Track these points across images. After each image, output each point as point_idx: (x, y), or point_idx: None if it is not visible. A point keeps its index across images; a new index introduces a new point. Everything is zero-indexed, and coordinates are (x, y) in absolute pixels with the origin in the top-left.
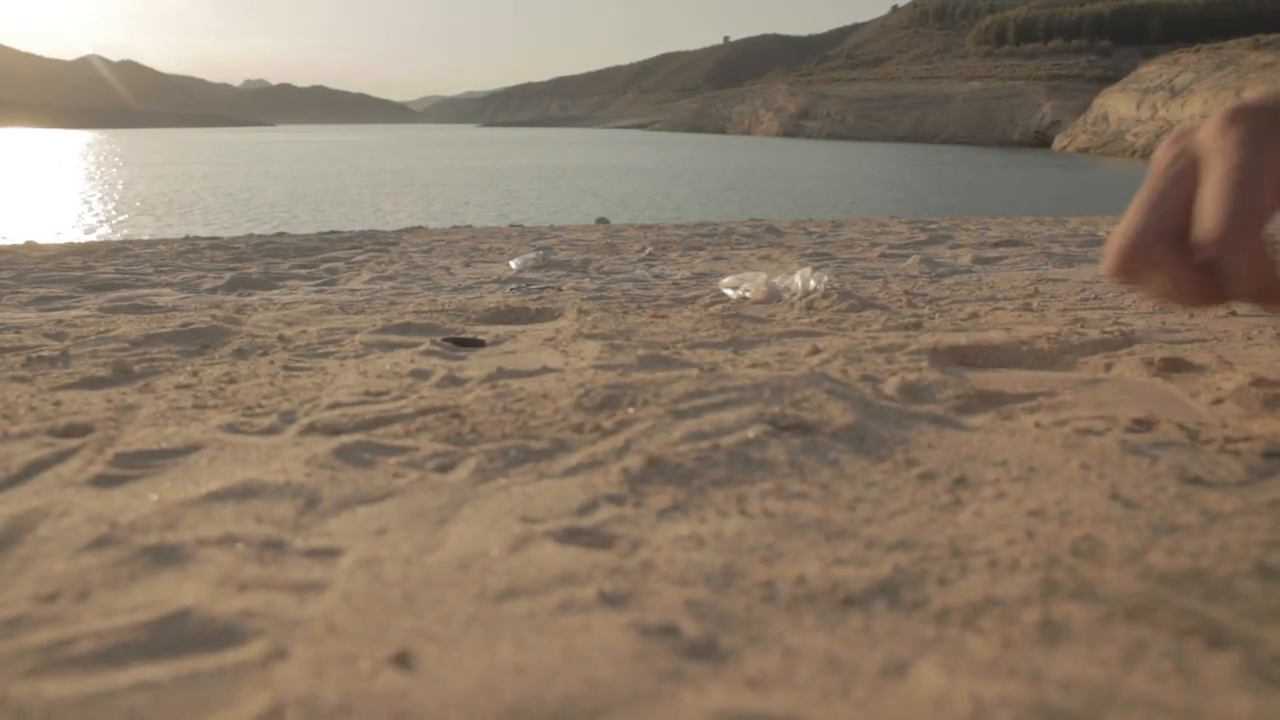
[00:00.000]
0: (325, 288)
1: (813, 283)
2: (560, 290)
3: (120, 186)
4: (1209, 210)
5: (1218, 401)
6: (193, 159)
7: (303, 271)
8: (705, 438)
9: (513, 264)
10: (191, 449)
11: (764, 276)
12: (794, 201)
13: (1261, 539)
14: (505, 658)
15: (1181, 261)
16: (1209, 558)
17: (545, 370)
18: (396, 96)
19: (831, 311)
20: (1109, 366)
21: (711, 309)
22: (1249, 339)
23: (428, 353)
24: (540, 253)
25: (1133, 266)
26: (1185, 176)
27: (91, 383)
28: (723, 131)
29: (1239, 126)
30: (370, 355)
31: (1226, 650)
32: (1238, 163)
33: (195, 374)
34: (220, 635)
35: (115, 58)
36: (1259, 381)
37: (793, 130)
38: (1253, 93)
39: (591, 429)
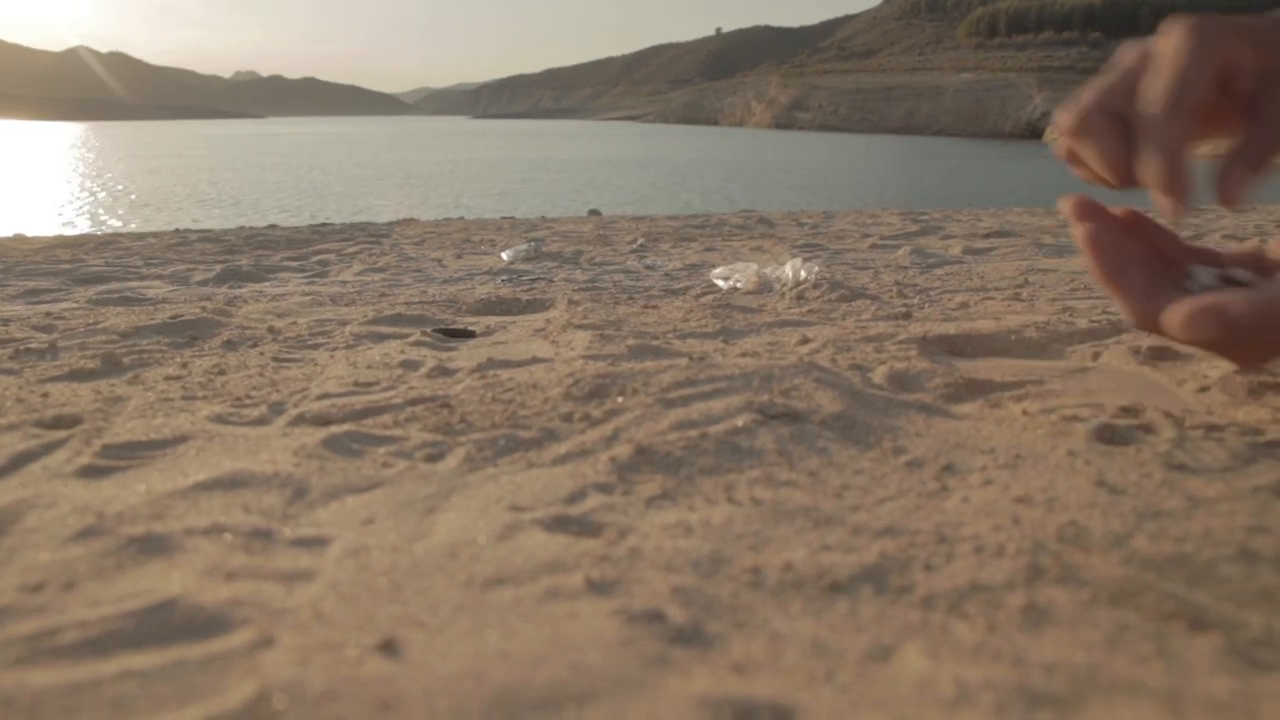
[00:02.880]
0: (316, 279)
1: (803, 273)
2: (551, 281)
3: (112, 179)
4: (1147, 87)
5: (1203, 389)
6: (186, 152)
7: (294, 264)
8: (694, 426)
9: (504, 255)
10: (180, 440)
11: (755, 267)
12: (786, 193)
13: (1244, 524)
14: (492, 644)
15: (1117, 135)
16: (1192, 543)
17: (535, 360)
18: (387, 88)
19: (822, 301)
20: (1096, 355)
21: (702, 299)
22: None
23: (418, 343)
24: (532, 244)
25: (1077, 132)
26: (1137, 69)
27: (80, 375)
28: (715, 123)
29: (1185, 25)
30: (360, 346)
31: (1208, 633)
32: (1178, 48)
33: (184, 365)
34: (207, 624)
35: (103, 49)
36: (1243, 369)
37: (785, 122)
38: None
39: (581, 418)
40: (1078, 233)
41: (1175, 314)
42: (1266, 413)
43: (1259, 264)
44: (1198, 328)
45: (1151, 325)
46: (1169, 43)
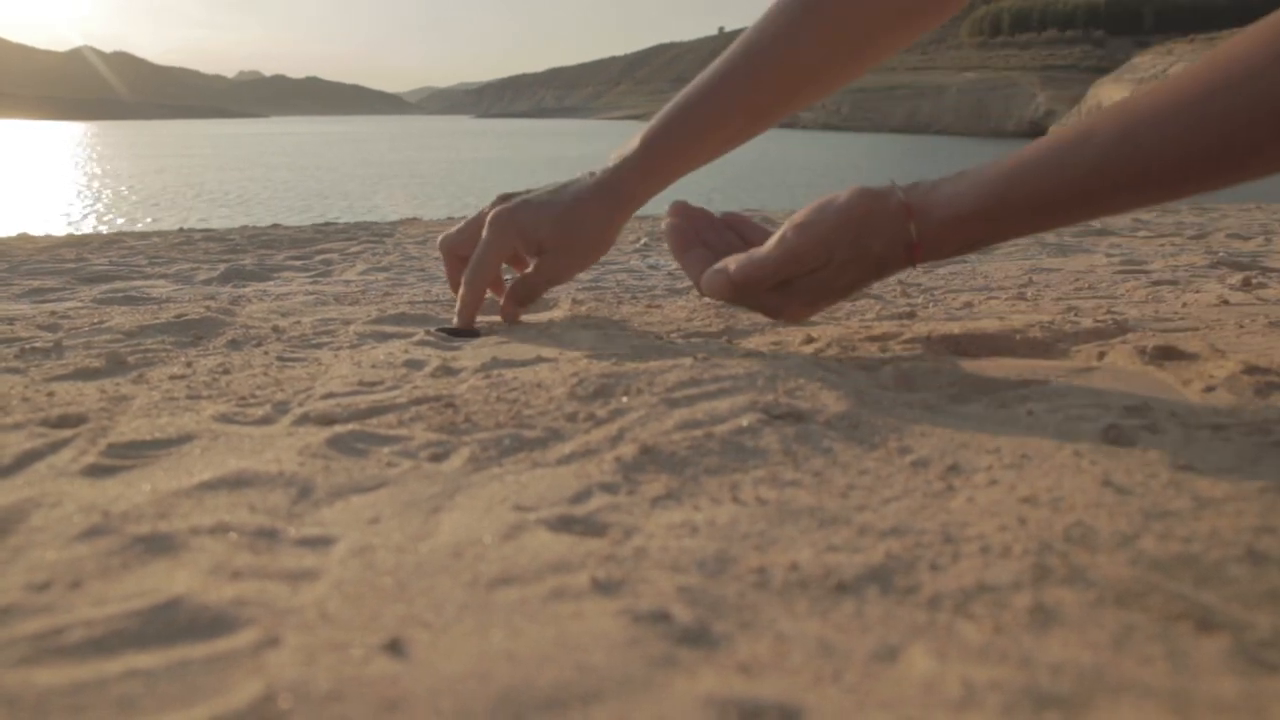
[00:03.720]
0: (320, 279)
1: None
2: None
3: (120, 179)
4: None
5: (1210, 389)
6: (192, 151)
7: (297, 263)
8: (699, 426)
9: None
10: (185, 439)
11: None
12: (788, 192)
13: (1251, 524)
14: (497, 644)
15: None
16: (1199, 543)
17: (539, 360)
18: (390, 88)
19: None
20: (1102, 355)
21: (705, 299)
22: (1241, 327)
23: (422, 343)
24: None
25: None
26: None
27: (85, 374)
28: None
29: (491, 219)
30: (364, 346)
31: (1216, 634)
32: (485, 237)
33: (189, 365)
34: (212, 623)
35: (107, 49)
36: (1251, 369)
37: (787, 120)
38: None
39: (585, 418)
40: (664, 225)
41: (702, 280)
42: (1274, 412)
43: None
44: (709, 283)
45: (699, 289)
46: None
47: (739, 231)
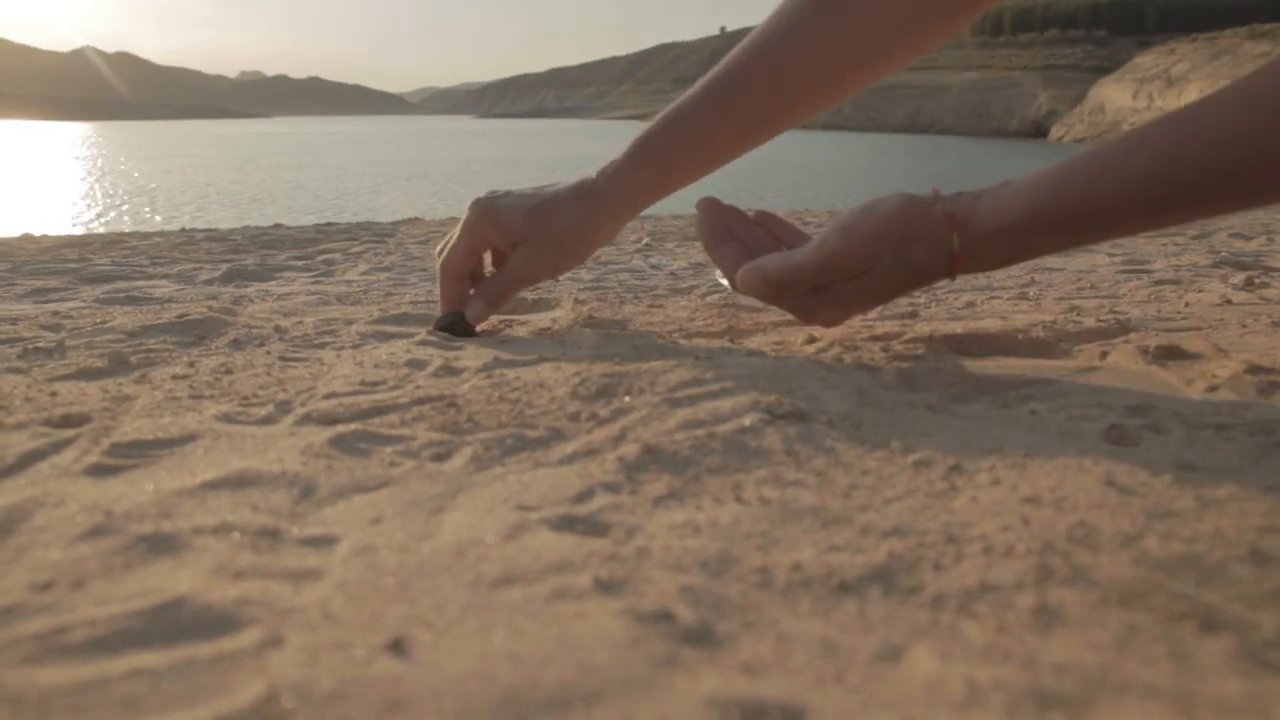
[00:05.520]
0: (322, 279)
1: None
2: (557, 281)
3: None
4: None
5: (1213, 389)
6: (197, 151)
7: (299, 263)
8: (701, 426)
9: None
10: (188, 439)
11: None
12: (790, 192)
13: (1255, 524)
14: (500, 644)
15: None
16: (1203, 543)
17: (541, 359)
18: (392, 88)
19: None
20: (1104, 354)
21: (708, 299)
22: (1244, 326)
23: (424, 343)
24: None
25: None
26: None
27: (88, 373)
28: None
29: (468, 214)
30: (366, 345)
31: (1220, 634)
32: (459, 229)
33: (191, 365)
34: (216, 623)
35: (109, 49)
36: (1254, 369)
37: None
38: None
39: (588, 417)
40: (698, 220)
41: (739, 275)
42: (1277, 412)
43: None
44: (746, 280)
45: (732, 283)
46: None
47: (770, 229)
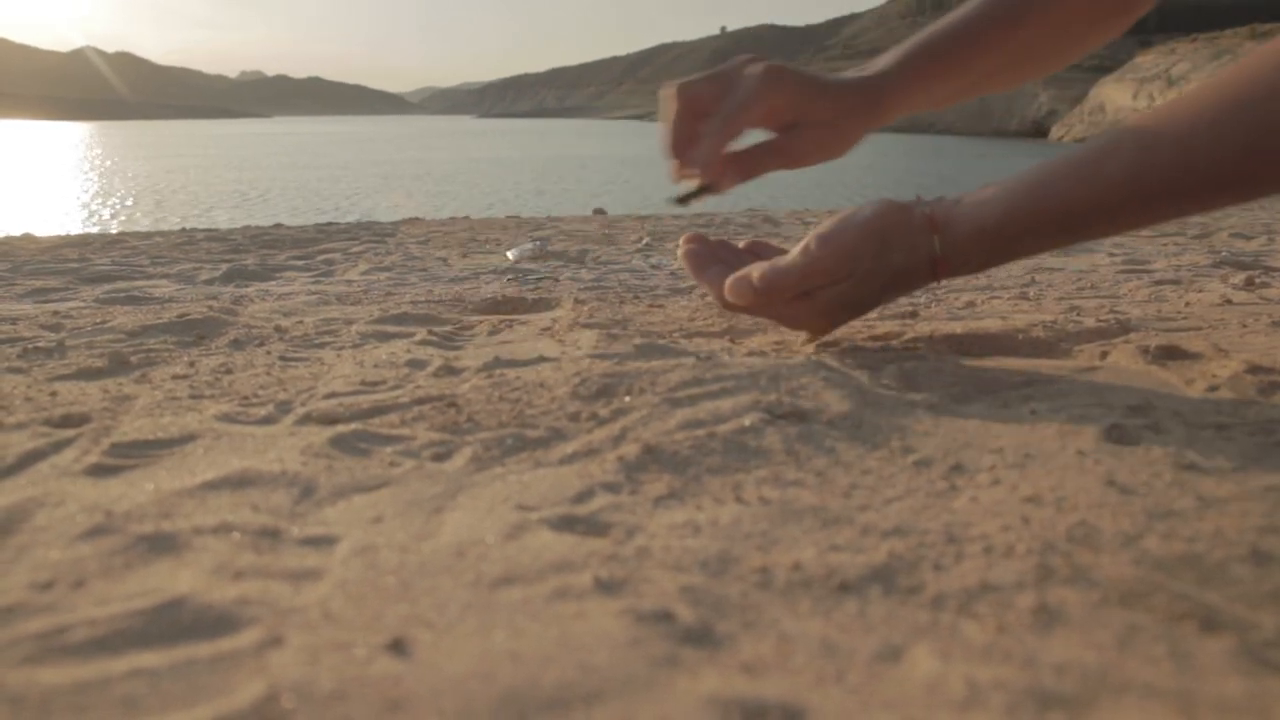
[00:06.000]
0: (322, 279)
1: None
2: (557, 280)
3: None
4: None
5: (1213, 389)
6: (199, 151)
7: (299, 263)
8: (701, 426)
9: (510, 254)
10: (188, 439)
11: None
12: (791, 192)
13: (1255, 524)
14: (500, 644)
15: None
16: (1203, 543)
17: (542, 359)
18: (392, 88)
19: None
20: (1104, 354)
21: (708, 299)
22: (1244, 326)
23: (424, 343)
24: (537, 243)
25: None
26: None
27: (88, 373)
28: None
29: (756, 69)
30: (367, 345)
31: (1220, 634)
32: (744, 86)
33: (192, 364)
34: (216, 623)
35: (109, 49)
36: (1254, 368)
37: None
38: None
39: (588, 417)
40: (680, 252)
41: (726, 285)
42: (1277, 412)
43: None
44: (734, 288)
45: (723, 301)
46: (745, 76)
47: (760, 256)
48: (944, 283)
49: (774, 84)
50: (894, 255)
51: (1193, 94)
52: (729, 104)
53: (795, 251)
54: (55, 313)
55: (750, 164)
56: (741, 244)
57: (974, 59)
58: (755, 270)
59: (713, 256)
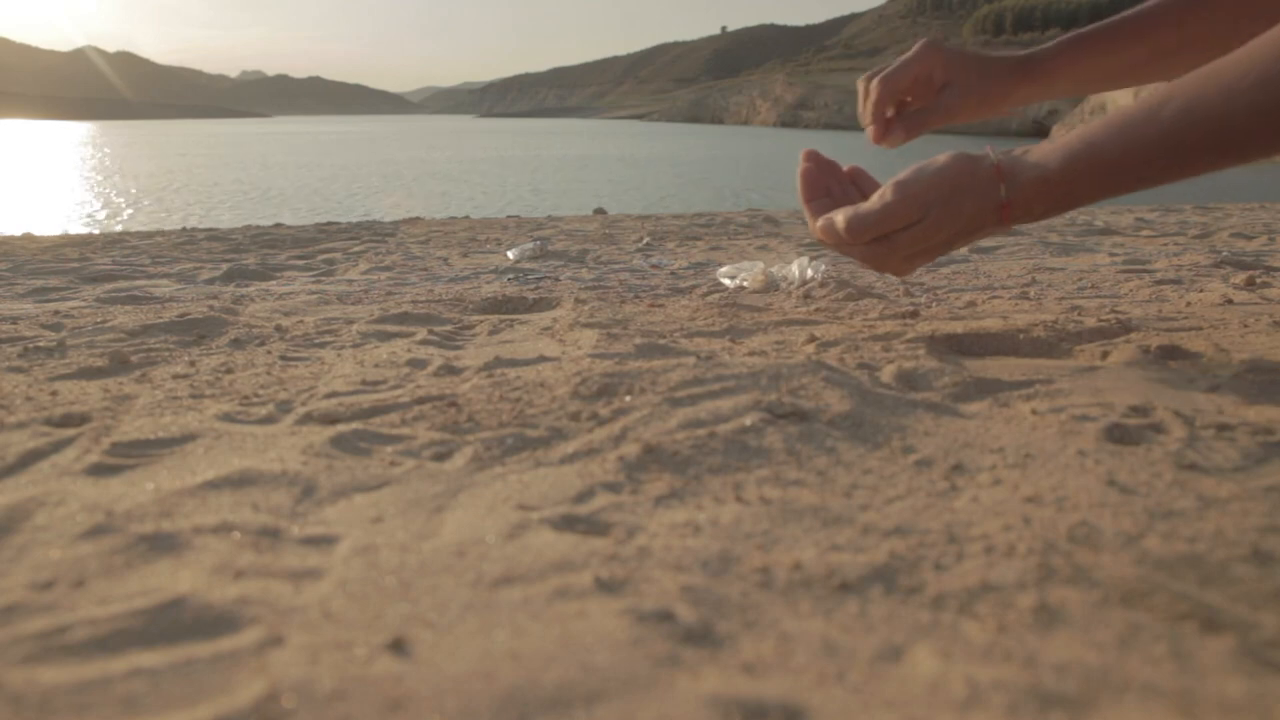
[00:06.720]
0: (323, 278)
1: (810, 272)
2: (558, 280)
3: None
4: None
5: (1214, 388)
6: (202, 151)
7: (300, 262)
8: (702, 425)
9: (510, 254)
10: (188, 438)
11: (761, 266)
12: (792, 191)
13: (1256, 524)
14: (501, 644)
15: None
16: (1204, 543)
17: (542, 359)
18: (393, 87)
19: (829, 300)
20: (1105, 354)
21: (709, 298)
22: (1245, 326)
23: (424, 342)
24: (538, 243)
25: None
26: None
27: (88, 373)
28: (720, 122)
29: (920, 45)
30: (367, 345)
31: (1221, 634)
32: (907, 57)
33: (192, 364)
34: (216, 622)
35: (110, 49)
36: (1255, 368)
37: (790, 120)
38: None
39: (588, 417)
40: (799, 170)
41: (818, 225)
42: (1278, 412)
43: None
44: (823, 228)
45: (815, 233)
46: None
47: (859, 185)
48: (945, 282)
49: (927, 51)
50: (964, 202)
51: (1242, 51)
52: (890, 67)
53: (874, 198)
54: (56, 312)
55: (913, 122)
56: (846, 169)
57: (1143, 35)
58: (840, 215)
59: (823, 185)
